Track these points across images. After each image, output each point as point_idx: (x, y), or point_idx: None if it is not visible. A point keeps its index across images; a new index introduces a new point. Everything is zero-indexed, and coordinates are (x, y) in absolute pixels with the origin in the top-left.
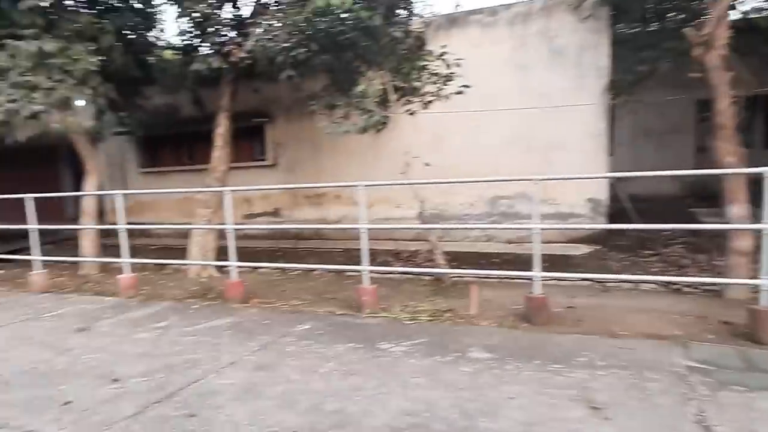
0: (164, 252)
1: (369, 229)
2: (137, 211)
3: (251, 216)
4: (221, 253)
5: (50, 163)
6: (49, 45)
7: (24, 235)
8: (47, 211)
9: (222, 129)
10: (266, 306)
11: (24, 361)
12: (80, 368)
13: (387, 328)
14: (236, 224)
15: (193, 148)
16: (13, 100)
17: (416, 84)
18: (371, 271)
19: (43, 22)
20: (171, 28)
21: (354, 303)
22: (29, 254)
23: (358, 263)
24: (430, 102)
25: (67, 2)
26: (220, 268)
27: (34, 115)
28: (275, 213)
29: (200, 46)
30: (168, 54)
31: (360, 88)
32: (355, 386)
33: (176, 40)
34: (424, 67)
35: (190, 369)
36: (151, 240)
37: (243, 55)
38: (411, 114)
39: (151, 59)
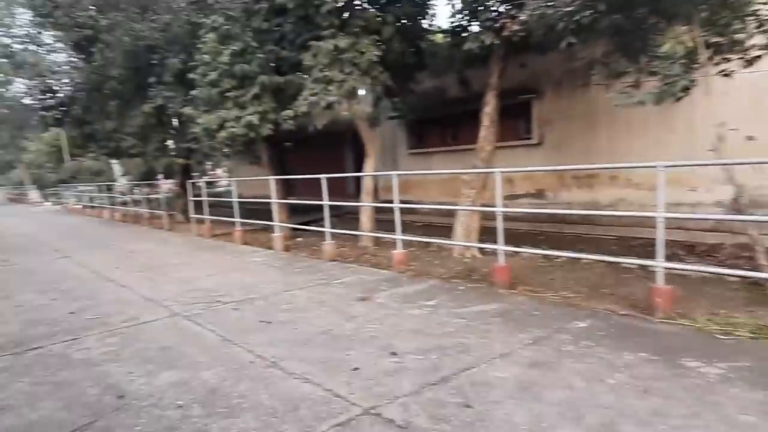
0: (428, 229)
1: (666, 218)
2: (404, 189)
3: (513, 197)
4: (482, 233)
5: (337, 146)
6: (342, 42)
7: (316, 208)
8: (333, 188)
9: (489, 108)
10: (534, 295)
11: (320, 322)
12: (363, 336)
13: (690, 341)
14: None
15: (456, 129)
16: (314, 94)
17: (738, 36)
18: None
19: (337, 22)
20: (440, 12)
21: (639, 302)
22: (322, 226)
23: (636, 254)
24: (757, 57)
25: (355, 2)
26: (482, 250)
27: (329, 105)
28: (538, 194)
29: (470, 24)
30: (439, 37)
31: (665, 47)
32: (656, 410)
33: (445, 24)
34: (753, 13)
35: (462, 354)
36: (415, 217)
37: (516, 27)
38: (725, 75)
39: (423, 45)
